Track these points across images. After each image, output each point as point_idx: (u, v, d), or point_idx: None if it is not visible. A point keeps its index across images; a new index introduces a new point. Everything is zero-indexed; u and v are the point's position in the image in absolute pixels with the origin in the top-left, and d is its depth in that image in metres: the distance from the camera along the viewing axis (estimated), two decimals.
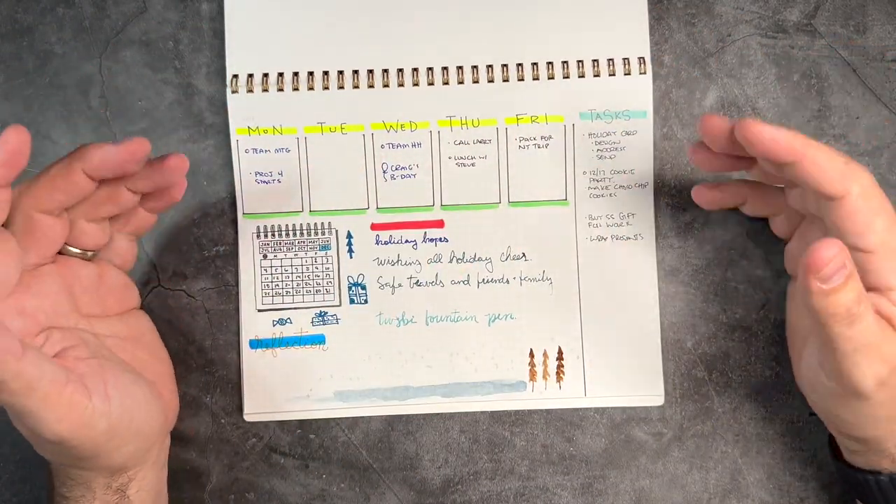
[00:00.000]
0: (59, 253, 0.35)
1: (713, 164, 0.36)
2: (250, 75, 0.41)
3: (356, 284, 0.42)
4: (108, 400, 0.33)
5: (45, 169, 0.32)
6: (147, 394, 0.36)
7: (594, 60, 0.41)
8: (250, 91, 0.41)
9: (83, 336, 0.34)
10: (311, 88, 0.41)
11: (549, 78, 0.41)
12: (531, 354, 0.42)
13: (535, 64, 0.41)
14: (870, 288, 0.32)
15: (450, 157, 0.42)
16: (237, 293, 0.42)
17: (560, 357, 0.42)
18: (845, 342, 0.31)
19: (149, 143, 0.33)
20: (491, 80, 0.41)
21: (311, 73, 0.41)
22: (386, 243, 0.42)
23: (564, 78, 0.41)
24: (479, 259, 0.42)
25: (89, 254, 0.36)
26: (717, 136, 0.34)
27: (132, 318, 0.38)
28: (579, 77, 0.41)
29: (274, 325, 0.42)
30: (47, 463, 0.36)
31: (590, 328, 0.42)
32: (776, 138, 0.32)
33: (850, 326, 0.30)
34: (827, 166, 0.32)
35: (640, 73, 0.41)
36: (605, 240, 0.42)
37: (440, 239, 0.42)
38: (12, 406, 0.30)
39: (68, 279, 0.34)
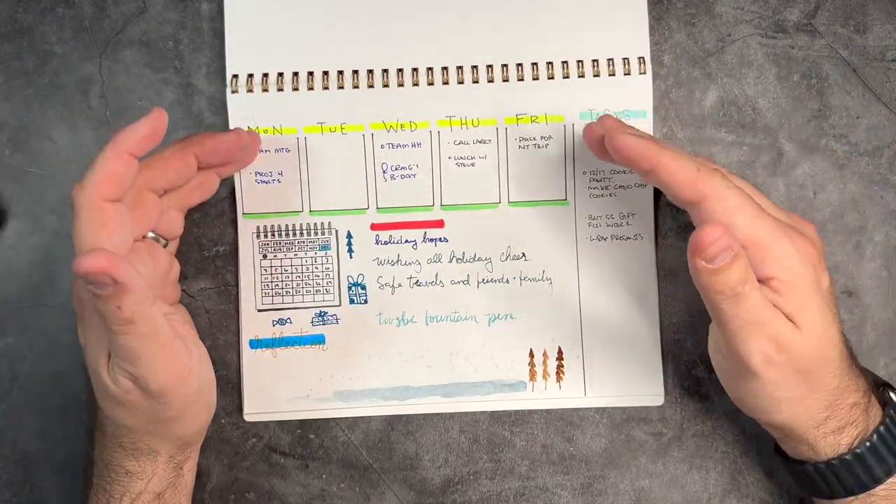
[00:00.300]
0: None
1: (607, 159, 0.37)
2: (250, 75, 0.41)
3: (356, 284, 0.42)
4: (201, 363, 0.37)
5: (160, 150, 0.36)
6: (212, 371, 0.39)
7: (594, 60, 0.41)
8: (250, 91, 0.41)
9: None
10: (311, 88, 0.41)
11: (549, 78, 0.41)
12: (531, 354, 0.42)
13: (535, 64, 0.41)
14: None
15: (450, 157, 0.42)
16: (237, 293, 0.42)
17: (560, 357, 0.42)
18: (732, 320, 0.33)
19: (246, 132, 0.38)
20: (491, 80, 0.41)
21: (311, 73, 0.41)
22: (386, 243, 0.42)
23: (564, 78, 0.41)
24: (479, 259, 0.42)
25: (163, 241, 0.38)
26: (595, 145, 0.37)
27: (179, 311, 0.40)
28: (579, 77, 0.41)
29: (274, 325, 0.42)
30: (95, 448, 0.38)
31: (590, 328, 0.42)
32: (631, 146, 0.34)
33: (735, 304, 0.32)
34: (678, 173, 0.34)
35: (640, 73, 0.41)
36: (605, 240, 0.42)
37: (440, 239, 0.42)
38: (134, 350, 0.33)
39: (153, 259, 0.37)
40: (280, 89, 0.41)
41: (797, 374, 0.34)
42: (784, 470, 0.39)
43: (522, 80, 0.41)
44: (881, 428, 0.35)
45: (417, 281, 0.42)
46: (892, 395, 0.37)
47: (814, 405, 0.35)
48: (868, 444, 0.35)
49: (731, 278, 0.32)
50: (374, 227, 0.42)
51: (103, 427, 0.37)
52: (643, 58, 0.41)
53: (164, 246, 0.38)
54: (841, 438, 0.35)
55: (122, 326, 0.32)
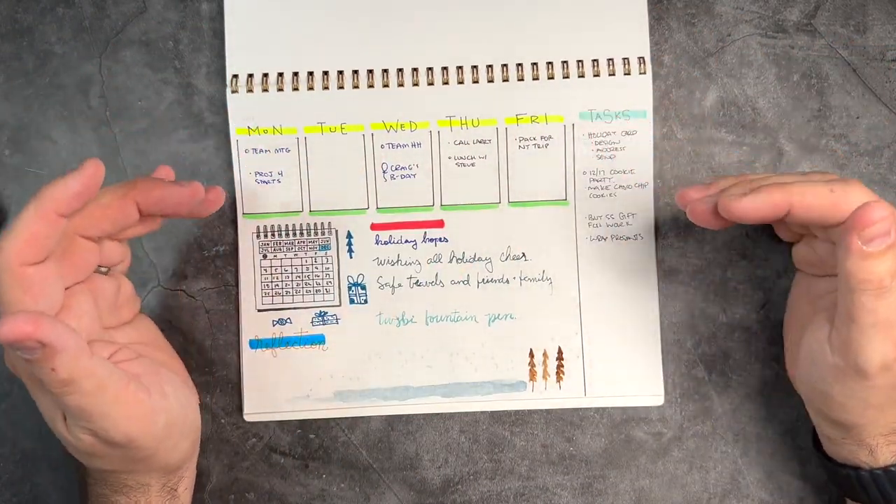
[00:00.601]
0: None
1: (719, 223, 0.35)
2: (250, 75, 0.41)
3: (356, 284, 0.42)
4: (165, 396, 0.34)
5: (97, 196, 0.32)
6: (187, 389, 0.37)
7: (594, 60, 0.41)
8: (250, 91, 0.41)
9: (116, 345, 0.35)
10: (311, 88, 0.41)
11: (549, 78, 0.41)
12: (531, 354, 0.42)
13: (535, 64, 0.41)
14: None
15: (450, 157, 0.42)
16: (237, 293, 0.42)
17: (560, 357, 0.42)
18: (867, 314, 0.30)
19: (201, 186, 0.34)
20: (491, 80, 0.41)
21: (311, 73, 0.41)
22: (386, 243, 0.42)
23: (564, 78, 0.41)
24: (479, 259, 0.42)
25: (104, 269, 0.36)
26: (701, 217, 0.34)
27: (140, 323, 0.38)
28: (579, 77, 0.41)
29: (274, 325, 0.42)
30: (83, 481, 0.37)
31: (590, 328, 0.42)
32: (757, 207, 0.32)
33: (877, 298, 0.30)
34: (817, 204, 0.32)
35: (640, 73, 0.41)
36: (605, 240, 0.42)
37: (440, 239, 0.42)
38: (83, 409, 0.31)
39: (95, 295, 0.35)
40: (280, 89, 0.41)
41: None
42: (822, 468, 0.38)
43: (522, 80, 0.41)
44: None
45: (417, 281, 0.42)
46: None
47: (894, 415, 0.34)
48: None
49: (883, 268, 0.30)
50: (374, 227, 0.42)
51: (86, 469, 0.35)
52: (643, 58, 0.41)
53: (106, 272, 0.36)
54: None
55: (62, 388, 0.30)
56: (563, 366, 0.42)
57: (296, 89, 0.41)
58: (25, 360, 0.29)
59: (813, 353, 0.35)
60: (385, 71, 0.41)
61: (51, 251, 0.31)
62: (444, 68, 0.41)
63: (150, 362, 0.35)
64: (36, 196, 0.31)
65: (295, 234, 0.42)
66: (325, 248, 0.42)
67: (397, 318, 0.42)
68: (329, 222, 0.42)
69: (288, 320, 0.42)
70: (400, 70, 0.41)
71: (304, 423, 0.42)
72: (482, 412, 0.42)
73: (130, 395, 0.32)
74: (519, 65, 0.41)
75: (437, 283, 0.42)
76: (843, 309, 0.32)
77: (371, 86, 0.41)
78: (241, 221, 0.42)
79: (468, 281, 0.42)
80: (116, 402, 0.31)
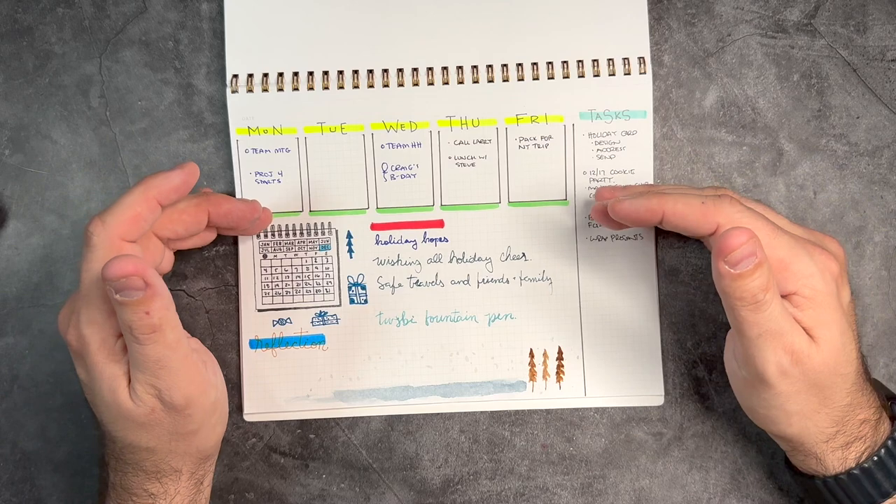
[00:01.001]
0: None
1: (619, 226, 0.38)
2: (250, 75, 0.41)
3: (356, 284, 0.42)
4: (215, 374, 0.37)
5: (172, 207, 0.37)
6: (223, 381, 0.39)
7: (594, 60, 0.41)
8: (250, 91, 0.41)
9: None
10: (311, 88, 0.41)
11: (549, 78, 0.41)
12: (531, 354, 0.42)
13: (535, 64, 0.41)
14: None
15: (450, 157, 0.42)
16: (237, 293, 0.42)
17: (560, 357, 0.42)
18: (751, 327, 0.33)
19: (259, 204, 0.39)
20: (491, 80, 0.41)
21: (311, 73, 0.41)
22: (386, 243, 0.42)
23: (564, 78, 0.41)
24: (479, 259, 0.42)
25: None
26: (604, 220, 0.38)
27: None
28: (579, 77, 0.41)
29: (274, 325, 0.42)
30: (104, 483, 0.37)
31: (590, 328, 0.42)
32: (632, 208, 0.35)
33: (755, 312, 0.32)
34: (687, 214, 0.34)
35: (640, 73, 0.41)
36: (605, 240, 0.42)
37: (440, 239, 0.42)
38: (160, 360, 0.33)
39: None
40: (280, 89, 0.41)
41: (810, 388, 0.34)
42: (793, 482, 0.39)
43: (522, 80, 0.41)
44: (889, 442, 0.35)
45: (417, 281, 0.42)
46: None
47: (824, 420, 0.35)
48: (875, 458, 0.35)
49: (753, 285, 0.32)
50: (374, 227, 0.42)
51: (121, 455, 0.36)
52: (643, 58, 0.41)
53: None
54: (848, 453, 0.35)
55: (149, 335, 0.33)
56: (563, 366, 0.42)
57: (296, 89, 0.41)
58: (121, 304, 0.32)
59: (730, 371, 0.37)
60: (385, 71, 0.41)
61: (143, 233, 0.35)
62: (444, 68, 0.41)
63: (199, 344, 0.39)
64: (141, 182, 0.35)
65: (295, 234, 0.42)
66: (325, 248, 0.42)
67: (397, 318, 0.42)
68: (329, 222, 0.42)
69: (288, 320, 0.42)
70: (400, 70, 0.41)
71: (304, 423, 0.42)
72: (482, 412, 0.42)
73: (193, 360, 0.35)
74: (519, 65, 0.41)
75: (437, 283, 0.42)
76: (732, 325, 0.34)
77: (371, 86, 0.41)
78: None
79: (468, 281, 0.42)
80: (184, 362, 0.34)
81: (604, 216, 0.38)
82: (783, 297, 0.34)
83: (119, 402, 0.34)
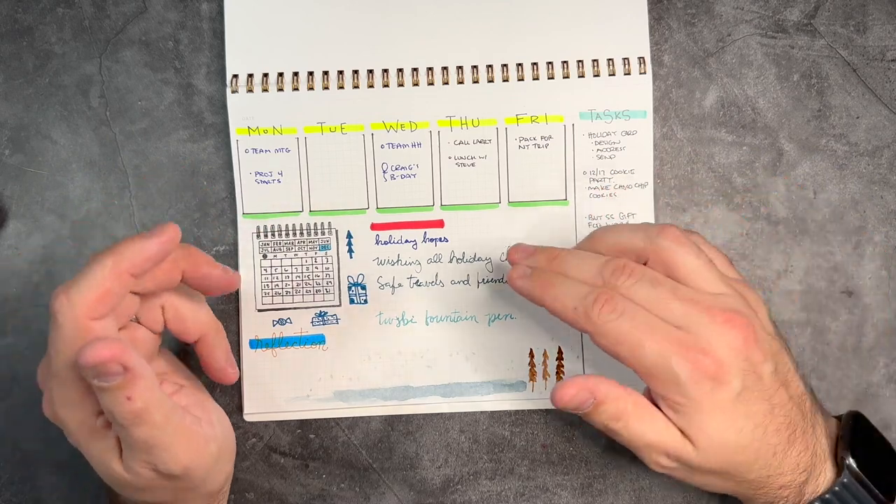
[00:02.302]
0: None
1: None
2: (250, 75, 0.41)
3: (356, 284, 0.42)
4: (213, 424, 0.35)
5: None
6: (222, 411, 0.38)
7: (594, 60, 0.41)
8: (250, 91, 0.41)
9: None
10: (311, 88, 0.41)
11: (549, 78, 0.41)
12: (531, 354, 0.42)
13: (535, 64, 0.41)
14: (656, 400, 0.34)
15: (450, 157, 0.42)
16: (237, 293, 0.42)
17: (560, 357, 0.42)
18: (620, 440, 0.34)
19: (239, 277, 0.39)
20: (491, 80, 0.41)
21: (311, 73, 0.41)
22: (386, 243, 0.42)
23: (564, 78, 0.41)
24: (479, 259, 0.42)
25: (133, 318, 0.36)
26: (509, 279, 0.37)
27: (162, 354, 0.39)
28: (579, 77, 0.41)
29: (274, 325, 0.42)
30: None
31: None
32: (519, 288, 0.36)
33: (614, 436, 0.34)
34: (561, 313, 0.34)
35: (640, 73, 0.41)
36: None
37: (440, 239, 0.42)
38: (149, 441, 0.31)
39: (133, 338, 0.36)
40: (280, 89, 0.41)
41: (702, 475, 0.34)
42: None
43: (522, 80, 0.41)
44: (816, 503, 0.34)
45: (417, 281, 0.42)
46: (849, 462, 0.34)
47: (736, 489, 0.35)
48: None
49: (600, 420, 0.34)
50: (374, 227, 0.42)
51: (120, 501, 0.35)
52: (643, 58, 0.41)
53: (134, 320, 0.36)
54: None
55: (134, 419, 0.30)
56: (563, 366, 0.42)
57: (296, 89, 0.41)
58: (100, 389, 0.30)
59: None
60: (385, 71, 0.41)
61: (113, 309, 0.32)
62: (444, 68, 0.41)
63: (192, 392, 0.37)
64: (112, 251, 0.31)
65: (295, 234, 0.42)
66: (326, 248, 0.42)
67: (397, 318, 0.42)
68: (329, 222, 0.42)
69: (288, 320, 0.42)
70: (400, 70, 0.41)
71: (304, 423, 0.42)
72: (482, 412, 0.42)
73: (187, 426, 0.33)
74: (519, 65, 0.41)
75: (437, 283, 0.42)
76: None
77: (371, 86, 0.41)
78: (241, 221, 0.42)
79: (468, 281, 0.42)
80: (176, 433, 0.32)
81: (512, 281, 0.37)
82: (658, 399, 0.34)
83: (114, 475, 0.33)
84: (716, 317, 0.33)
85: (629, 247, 0.35)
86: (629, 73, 0.41)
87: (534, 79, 0.41)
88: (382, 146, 0.42)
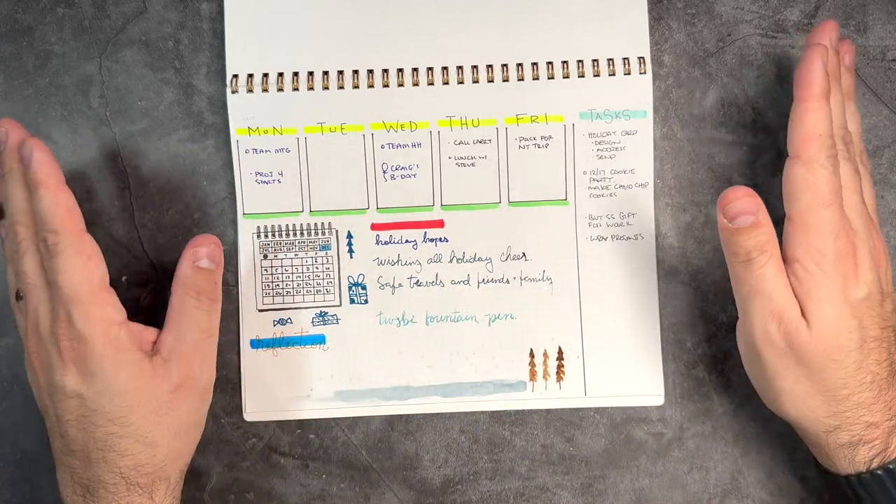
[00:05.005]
0: None
1: None
2: (250, 75, 0.41)
3: (356, 284, 0.42)
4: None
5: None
6: None
7: (594, 60, 0.41)
8: (250, 91, 0.41)
9: None
10: (311, 88, 0.41)
11: (549, 78, 0.41)
12: (531, 354, 0.42)
13: (535, 64, 0.41)
14: (784, 258, 0.34)
15: (450, 157, 0.42)
16: (237, 293, 0.42)
17: (560, 357, 0.42)
18: (742, 284, 0.34)
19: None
20: (491, 80, 0.41)
21: (311, 73, 0.41)
22: (386, 243, 0.42)
23: (564, 78, 0.41)
24: (479, 259, 0.42)
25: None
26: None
27: None
28: (579, 77, 0.41)
29: (274, 325, 0.42)
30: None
31: (590, 328, 0.42)
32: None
33: (746, 269, 0.34)
34: (811, 127, 0.34)
35: (640, 73, 0.41)
36: (605, 240, 0.42)
37: (440, 239, 0.42)
38: (214, 326, 0.38)
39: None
40: (280, 89, 0.41)
41: (798, 366, 0.34)
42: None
43: (522, 80, 0.41)
44: None
45: (418, 281, 0.42)
46: None
47: (820, 408, 0.34)
48: (891, 467, 0.33)
49: (748, 243, 0.33)
50: (374, 227, 0.42)
51: (110, 476, 0.36)
52: (643, 58, 0.41)
53: None
54: (856, 454, 0.34)
55: (214, 303, 0.38)
56: (563, 366, 0.42)
57: (296, 89, 0.41)
58: (204, 271, 0.37)
59: (738, 341, 0.37)
60: (385, 71, 0.41)
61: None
62: (444, 68, 0.41)
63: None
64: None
65: (295, 235, 0.42)
66: (326, 248, 0.42)
67: (397, 318, 0.42)
68: (329, 222, 0.42)
69: (288, 320, 0.42)
70: (400, 70, 0.41)
71: (304, 423, 0.42)
72: (482, 412, 0.42)
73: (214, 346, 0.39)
74: (519, 65, 0.41)
75: (438, 283, 0.42)
76: (732, 283, 0.35)
77: (371, 86, 0.41)
78: (242, 221, 0.42)
79: (468, 281, 0.42)
80: (213, 344, 0.39)
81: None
82: (788, 262, 0.34)
83: (144, 374, 0.36)
84: (873, 231, 0.35)
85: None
86: (629, 73, 0.41)
87: (534, 79, 0.41)
88: (382, 146, 0.42)
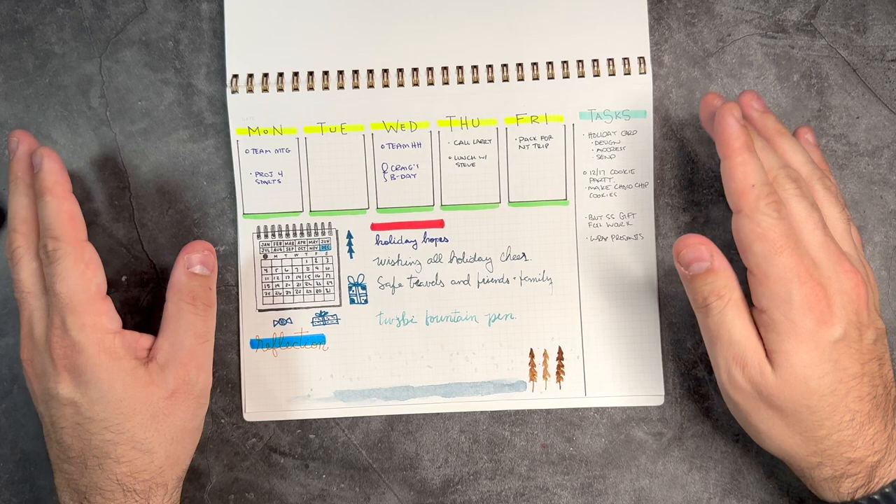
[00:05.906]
0: None
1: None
2: (250, 75, 0.41)
3: (356, 284, 0.42)
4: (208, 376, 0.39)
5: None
6: None
7: (594, 60, 0.41)
8: (250, 91, 0.41)
9: None
10: (311, 88, 0.41)
11: (549, 78, 0.41)
12: (531, 354, 0.42)
13: (535, 64, 0.41)
14: (755, 308, 0.34)
15: (450, 157, 0.42)
16: (237, 293, 0.42)
17: (560, 357, 0.42)
18: (704, 329, 0.36)
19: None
20: (491, 80, 0.41)
21: (311, 73, 0.41)
22: (386, 243, 0.42)
23: (564, 78, 0.41)
24: (479, 259, 0.42)
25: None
26: (706, 118, 0.37)
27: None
28: (579, 77, 0.41)
29: (274, 325, 0.42)
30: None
31: (590, 328, 0.42)
32: (725, 128, 0.34)
33: (705, 314, 0.35)
34: (733, 181, 0.34)
35: (640, 73, 0.41)
36: (605, 240, 0.42)
37: (440, 239, 0.42)
38: (210, 331, 0.38)
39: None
40: (280, 89, 0.41)
41: (770, 409, 0.34)
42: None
43: (522, 80, 0.41)
44: (888, 489, 0.33)
45: (418, 281, 0.42)
46: None
47: (799, 447, 0.34)
48: (875, 497, 0.33)
49: (704, 289, 0.34)
50: (374, 227, 0.42)
51: (106, 480, 0.36)
52: (643, 58, 0.41)
53: None
54: (840, 486, 0.34)
55: (209, 308, 0.38)
56: (563, 366, 0.42)
57: (296, 89, 0.41)
58: (198, 276, 0.37)
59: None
60: (385, 71, 0.41)
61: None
62: (444, 68, 0.41)
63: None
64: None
65: (295, 235, 0.42)
66: (326, 248, 0.42)
67: (397, 318, 0.42)
68: (329, 222, 0.42)
69: (288, 320, 0.42)
70: (400, 70, 0.41)
71: (304, 423, 0.42)
72: (482, 412, 0.42)
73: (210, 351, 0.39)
74: (519, 65, 0.41)
75: (438, 283, 0.42)
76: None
77: (371, 86, 0.41)
78: (242, 221, 0.42)
79: (468, 281, 0.42)
80: (209, 349, 0.39)
81: (709, 115, 0.36)
82: (758, 311, 0.34)
83: (139, 381, 0.36)
84: (843, 265, 0.34)
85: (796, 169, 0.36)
86: (629, 73, 0.41)
87: (534, 79, 0.41)
88: (382, 146, 0.42)
